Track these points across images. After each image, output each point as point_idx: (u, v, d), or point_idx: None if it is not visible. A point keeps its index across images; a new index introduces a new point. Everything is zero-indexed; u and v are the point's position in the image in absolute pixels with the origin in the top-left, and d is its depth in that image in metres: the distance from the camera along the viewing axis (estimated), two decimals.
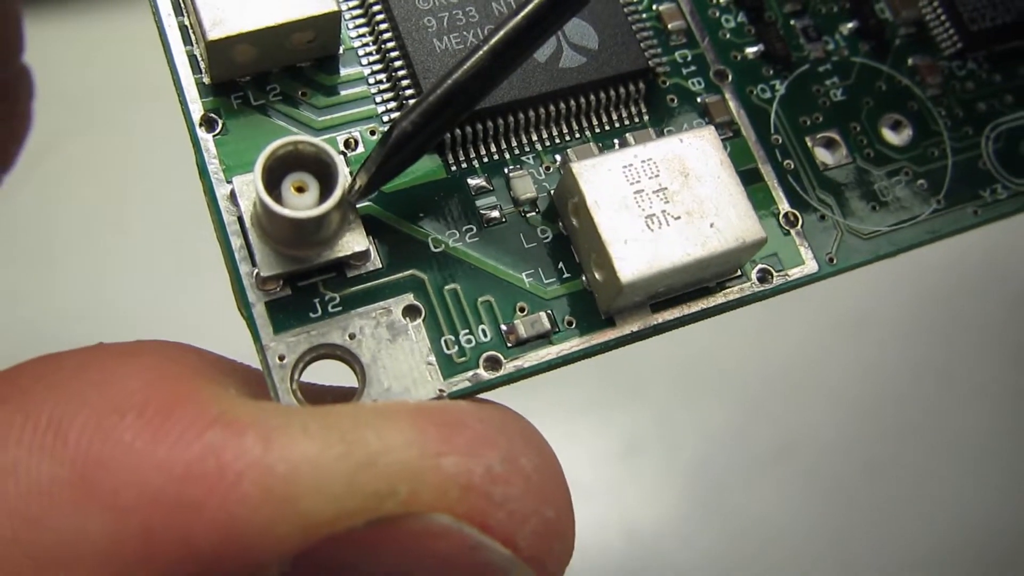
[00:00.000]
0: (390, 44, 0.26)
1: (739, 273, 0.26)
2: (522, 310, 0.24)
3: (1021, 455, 0.53)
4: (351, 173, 0.24)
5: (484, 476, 0.19)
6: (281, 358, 0.23)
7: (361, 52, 0.26)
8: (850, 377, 0.55)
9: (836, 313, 0.57)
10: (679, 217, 0.24)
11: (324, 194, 0.22)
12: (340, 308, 0.23)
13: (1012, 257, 0.59)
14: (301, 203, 0.22)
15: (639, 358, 0.56)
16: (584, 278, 0.25)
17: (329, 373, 0.24)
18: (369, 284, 0.24)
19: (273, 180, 0.22)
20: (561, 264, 0.25)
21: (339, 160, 0.22)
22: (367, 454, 0.19)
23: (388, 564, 0.19)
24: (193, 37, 0.25)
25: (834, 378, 0.55)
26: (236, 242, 0.23)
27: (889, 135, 0.28)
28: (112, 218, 0.58)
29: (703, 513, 0.51)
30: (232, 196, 0.24)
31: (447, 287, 0.24)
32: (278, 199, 0.22)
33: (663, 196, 0.24)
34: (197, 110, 0.25)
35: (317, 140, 0.22)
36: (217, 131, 0.24)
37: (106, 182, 0.58)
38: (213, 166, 0.24)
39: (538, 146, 0.26)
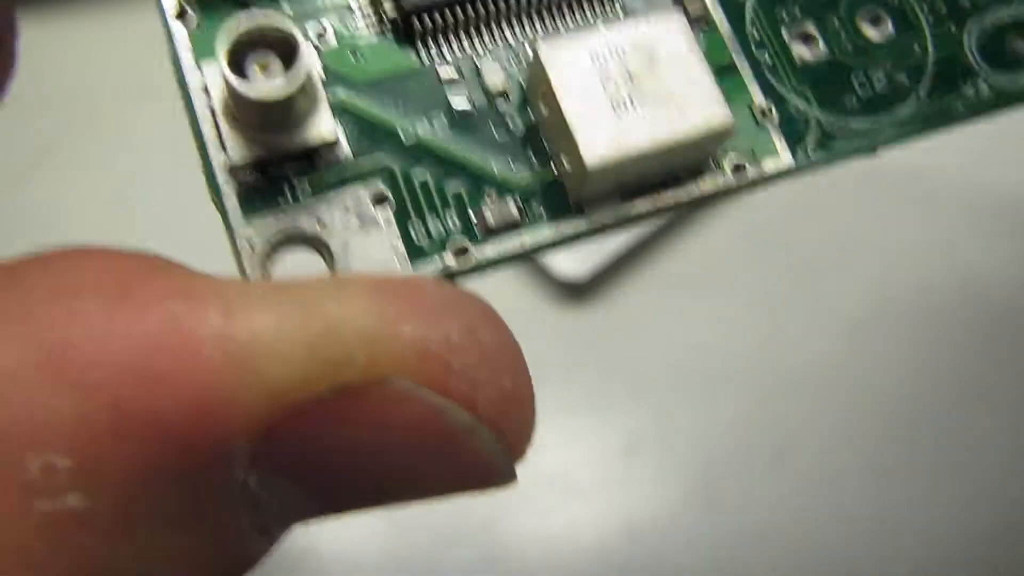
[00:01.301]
0: None
1: (712, 166, 0.25)
2: (492, 200, 0.24)
3: None
4: (321, 59, 0.24)
5: (442, 344, 0.19)
6: (251, 243, 0.23)
7: None
8: (853, 376, 0.54)
9: (841, 312, 0.56)
10: (646, 103, 0.24)
11: (290, 73, 0.22)
12: (310, 195, 0.24)
13: (1019, 260, 0.58)
14: (267, 84, 0.22)
15: (639, 357, 0.55)
16: (555, 168, 0.25)
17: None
18: (339, 172, 0.24)
19: (239, 64, 0.23)
20: (531, 155, 0.25)
21: (298, 33, 0.22)
22: (326, 322, 0.19)
23: (359, 435, 0.19)
24: None
25: (837, 377, 0.54)
26: (208, 131, 0.24)
27: (868, 30, 0.28)
28: (113, 218, 0.58)
29: (704, 511, 0.51)
30: (204, 87, 0.24)
31: (416, 176, 0.24)
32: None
33: (630, 82, 0.24)
34: (171, 4, 0.25)
35: (274, 13, 0.22)
36: (190, 24, 0.25)
37: (106, 182, 0.58)
38: (185, 57, 0.24)
39: (511, 40, 0.26)
